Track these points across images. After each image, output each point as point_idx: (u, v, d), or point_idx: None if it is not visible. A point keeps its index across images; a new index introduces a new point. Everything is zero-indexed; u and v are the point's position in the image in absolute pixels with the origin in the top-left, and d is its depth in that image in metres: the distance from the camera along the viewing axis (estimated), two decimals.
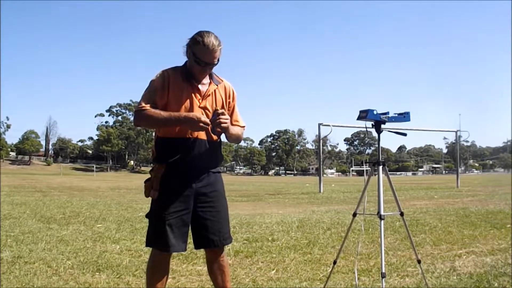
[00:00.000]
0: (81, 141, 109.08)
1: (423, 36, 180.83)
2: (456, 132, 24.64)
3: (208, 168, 2.45)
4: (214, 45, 2.29)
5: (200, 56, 2.30)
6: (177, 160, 2.35)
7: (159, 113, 2.29)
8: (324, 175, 61.25)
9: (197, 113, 2.30)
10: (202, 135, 2.39)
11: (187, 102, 2.36)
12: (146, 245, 2.46)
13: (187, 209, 2.39)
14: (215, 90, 2.46)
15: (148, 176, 2.45)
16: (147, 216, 2.47)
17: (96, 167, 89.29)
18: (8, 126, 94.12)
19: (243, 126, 2.64)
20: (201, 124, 2.25)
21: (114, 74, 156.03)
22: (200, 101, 2.39)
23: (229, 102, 2.54)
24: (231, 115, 2.54)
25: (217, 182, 2.50)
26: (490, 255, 4.39)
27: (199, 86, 2.41)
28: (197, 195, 2.41)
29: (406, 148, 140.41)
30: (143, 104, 2.32)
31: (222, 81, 2.53)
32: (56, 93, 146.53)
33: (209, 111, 2.40)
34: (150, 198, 2.43)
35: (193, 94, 2.38)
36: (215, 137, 2.46)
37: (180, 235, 2.37)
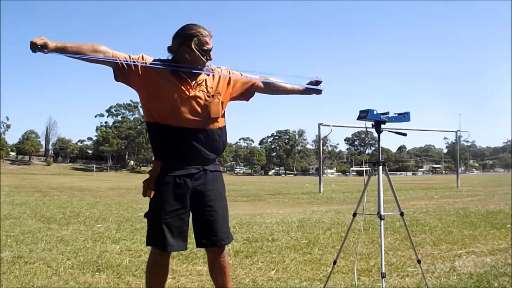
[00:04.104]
0: (80, 141, 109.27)
1: (423, 36, 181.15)
2: (456, 132, 24.66)
3: (204, 161, 2.41)
4: (208, 32, 2.38)
5: (204, 45, 2.35)
6: (171, 155, 2.35)
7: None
8: (324, 175, 61.25)
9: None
10: (194, 124, 2.35)
11: (177, 93, 2.34)
12: (147, 245, 2.47)
13: (184, 207, 2.38)
14: (205, 79, 2.43)
15: (148, 176, 2.45)
16: (145, 215, 2.46)
17: (96, 167, 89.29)
18: (8, 126, 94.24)
19: (255, 79, 2.63)
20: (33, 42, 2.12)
21: None
22: (190, 90, 2.36)
23: (233, 81, 2.53)
24: (245, 84, 2.58)
25: (215, 181, 2.47)
26: (490, 255, 4.39)
27: (188, 78, 2.38)
28: (193, 194, 2.39)
29: (406, 148, 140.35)
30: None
31: (213, 70, 2.49)
32: (56, 93, 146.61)
33: (200, 99, 2.37)
34: (149, 198, 2.43)
35: (181, 85, 2.36)
36: (211, 126, 2.41)
37: (179, 234, 2.36)
